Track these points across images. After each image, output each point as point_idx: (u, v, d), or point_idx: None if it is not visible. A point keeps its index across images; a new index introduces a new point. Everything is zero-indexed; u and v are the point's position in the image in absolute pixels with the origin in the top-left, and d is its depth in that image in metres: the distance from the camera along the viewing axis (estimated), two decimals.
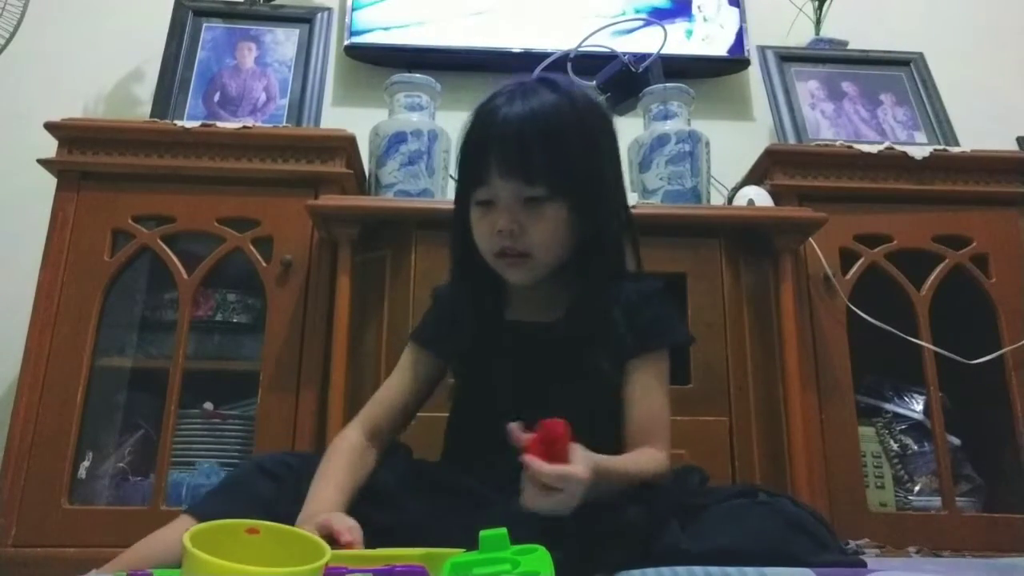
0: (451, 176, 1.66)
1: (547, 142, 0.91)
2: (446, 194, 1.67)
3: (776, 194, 1.65)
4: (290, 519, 0.81)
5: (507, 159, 0.91)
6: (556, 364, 0.97)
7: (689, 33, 2.13)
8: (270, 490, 0.90)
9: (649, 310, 0.98)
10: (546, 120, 0.91)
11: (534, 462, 0.72)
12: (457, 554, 0.69)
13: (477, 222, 0.96)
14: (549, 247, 0.94)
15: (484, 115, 0.95)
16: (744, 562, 0.72)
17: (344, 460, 0.94)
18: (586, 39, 1.84)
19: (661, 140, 1.69)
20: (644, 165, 1.70)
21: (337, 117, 1.92)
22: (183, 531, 0.87)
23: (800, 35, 2.13)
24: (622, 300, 0.98)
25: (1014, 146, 1.98)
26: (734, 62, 2.14)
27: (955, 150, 1.75)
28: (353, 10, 2.08)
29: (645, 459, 0.91)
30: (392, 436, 1.03)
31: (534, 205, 0.92)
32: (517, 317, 1.02)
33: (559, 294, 0.99)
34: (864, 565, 0.79)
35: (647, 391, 0.96)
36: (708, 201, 1.74)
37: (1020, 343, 1.59)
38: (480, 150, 0.94)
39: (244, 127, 1.63)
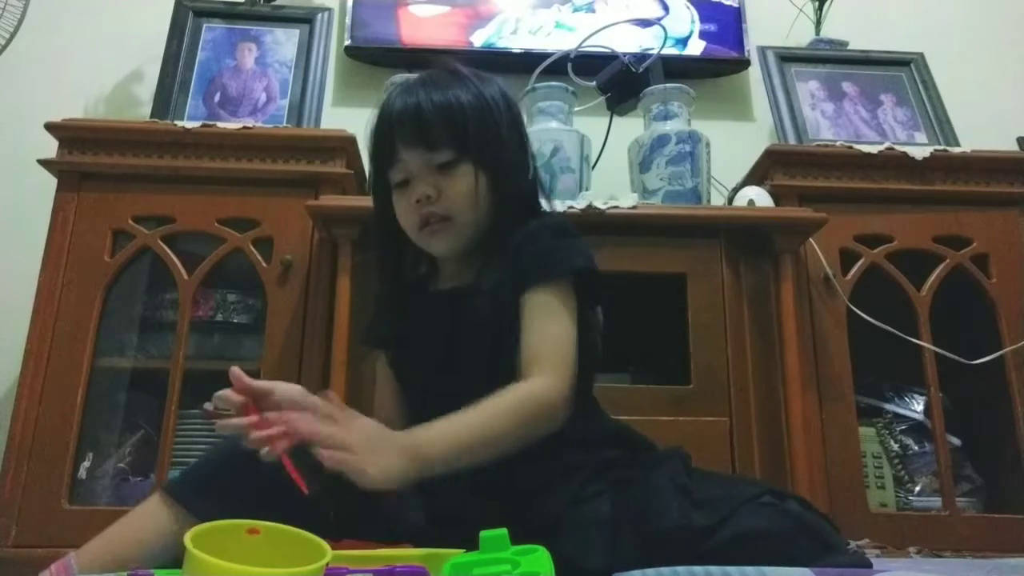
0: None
1: (443, 108, 0.97)
2: None
3: (776, 194, 1.65)
4: (271, 502, 0.80)
5: (408, 130, 0.98)
6: (471, 323, 0.97)
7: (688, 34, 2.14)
8: (256, 483, 0.87)
9: (533, 245, 0.97)
10: (439, 89, 0.99)
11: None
12: (457, 554, 0.69)
13: (398, 203, 1.01)
14: (466, 207, 0.98)
15: (384, 105, 1.02)
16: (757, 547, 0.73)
17: None
18: (586, 39, 1.85)
19: (661, 140, 1.69)
20: (644, 165, 1.70)
21: (337, 117, 1.92)
22: (158, 512, 0.88)
23: (800, 35, 2.13)
24: (514, 242, 0.98)
25: (1014, 146, 1.98)
26: (734, 62, 2.14)
27: (955, 150, 1.75)
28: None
29: (505, 401, 0.85)
30: None
31: (445, 170, 0.98)
32: (443, 287, 1.06)
33: (483, 259, 1.02)
34: (870, 565, 0.79)
35: (533, 320, 0.93)
36: (708, 201, 1.74)
37: (1020, 343, 1.59)
38: (383, 133, 1.01)
39: (244, 127, 1.63)
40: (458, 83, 1.01)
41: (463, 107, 0.98)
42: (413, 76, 1.06)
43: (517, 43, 2.08)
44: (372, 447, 0.76)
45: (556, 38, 2.07)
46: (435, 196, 0.98)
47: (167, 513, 0.88)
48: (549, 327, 0.92)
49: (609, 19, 1.99)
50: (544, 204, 1.09)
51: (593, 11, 2.13)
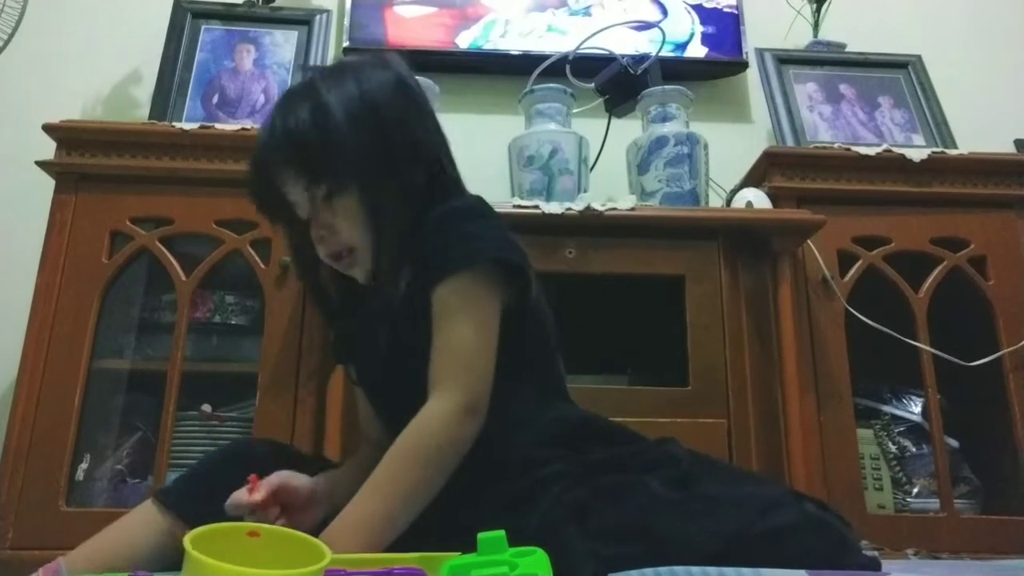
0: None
1: (291, 139, 0.91)
2: None
3: (774, 196, 1.65)
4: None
5: (274, 174, 0.93)
6: (392, 336, 0.94)
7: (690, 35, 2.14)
8: (242, 479, 0.88)
9: (436, 236, 0.91)
10: (286, 127, 0.91)
11: None
12: (455, 557, 0.69)
13: (315, 243, 0.97)
14: (360, 235, 0.93)
15: (255, 145, 0.97)
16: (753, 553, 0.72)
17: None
18: (584, 41, 1.85)
19: (659, 142, 1.69)
20: (642, 167, 1.70)
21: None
22: (150, 518, 0.88)
23: (798, 38, 2.14)
24: (418, 238, 0.93)
25: (1012, 148, 1.99)
26: (732, 64, 2.14)
27: (953, 152, 1.75)
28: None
29: (407, 441, 0.84)
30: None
31: (330, 204, 0.93)
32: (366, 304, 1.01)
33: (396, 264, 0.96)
34: (878, 567, 0.79)
35: (437, 327, 0.88)
36: (706, 203, 1.74)
37: (1018, 345, 1.60)
38: (257, 176, 0.95)
39: (243, 129, 1.63)
40: (301, 101, 0.93)
41: (301, 135, 0.91)
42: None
43: (506, 45, 2.07)
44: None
45: (548, 41, 2.07)
46: (328, 235, 0.94)
47: (159, 520, 0.89)
48: (448, 334, 0.87)
49: (606, 23, 2.00)
50: (454, 185, 1.01)
51: (589, 15, 2.13)
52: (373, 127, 0.93)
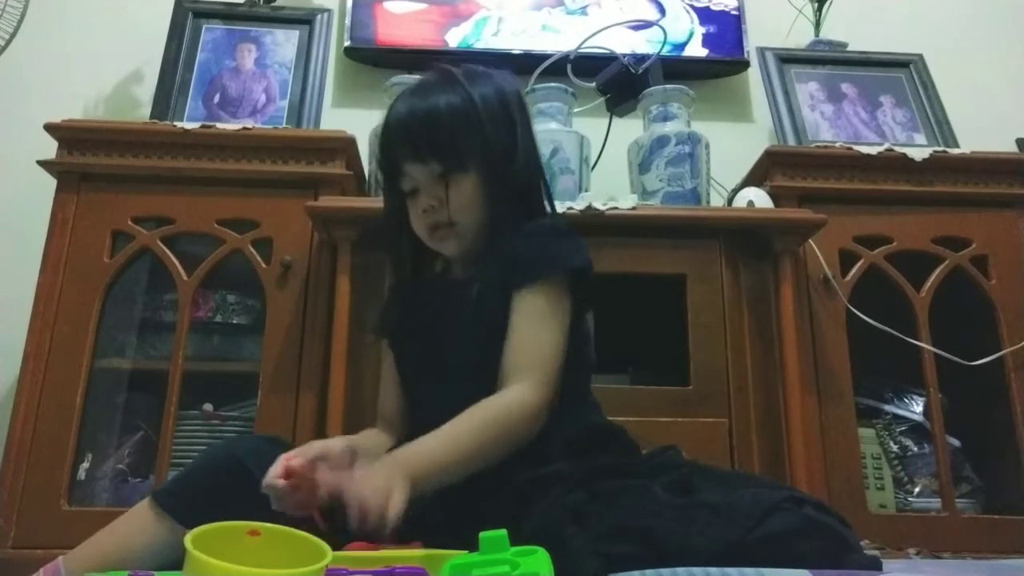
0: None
1: (426, 120, 1.00)
2: None
3: (776, 195, 1.65)
4: (259, 511, 0.80)
5: (401, 145, 1.02)
6: (456, 315, 1.00)
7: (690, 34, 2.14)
8: (246, 492, 0.87)
9: (527, 243, 0.99)
10: (424, 99, 1.02)
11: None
12: (457, 555, 0.69)
13: (411, 210, 1.05)
14: (467, 213, 1.01)
15: (387, 116, 1.06)
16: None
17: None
18: (585, 40, 1.85)
19: (661, 141, 1.69)
20: (644, 166, 1.70)
21: (337, 118, 1.92)
22: (147, 520, 0.89)
23: (800, 37, 2.14)
24: (513, 238, 1.00)
25: (1014, 147, 1.98)
26: (734, 64, 2.14)
27: (955, 151, 1.75)
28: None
29: (483, 415, 0.88)
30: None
31: (445, 179, 1.01)
32: (436, 280, 1.11)
33: (482, 256, 1.04)
34: (880, 568, 0.79)
35: (520, 323, 0.94)
36: (708, 202, 1.74)
37: (1020, 344, 1.59)
38: (386, 146, 1.05)
39: (244, 128, 1.63)
40: (444, 89, 1.02)
41: (444, 116, 1.00)
42: (413, 81, 1.08)
43: (498, 44, 2.07)
44: (372, 485, 0.77)
45: (543, 40, 2.07)
46: (438, 206, 1.01)
47: (155, 521, 0.90)
48: (534, 332, 0.94)
49: (603, 22, 1.99)
50: (546, 203, 1.10)
51: (586, 14, 2.13)
52: (505, 123, 1.03)
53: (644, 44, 2.06)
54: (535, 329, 0.94)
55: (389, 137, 1.04)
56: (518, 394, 0.90)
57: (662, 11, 2.14)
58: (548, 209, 1.10)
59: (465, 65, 1.08)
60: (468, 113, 1.01)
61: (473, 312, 0.97)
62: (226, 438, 1.54)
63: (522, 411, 0.89)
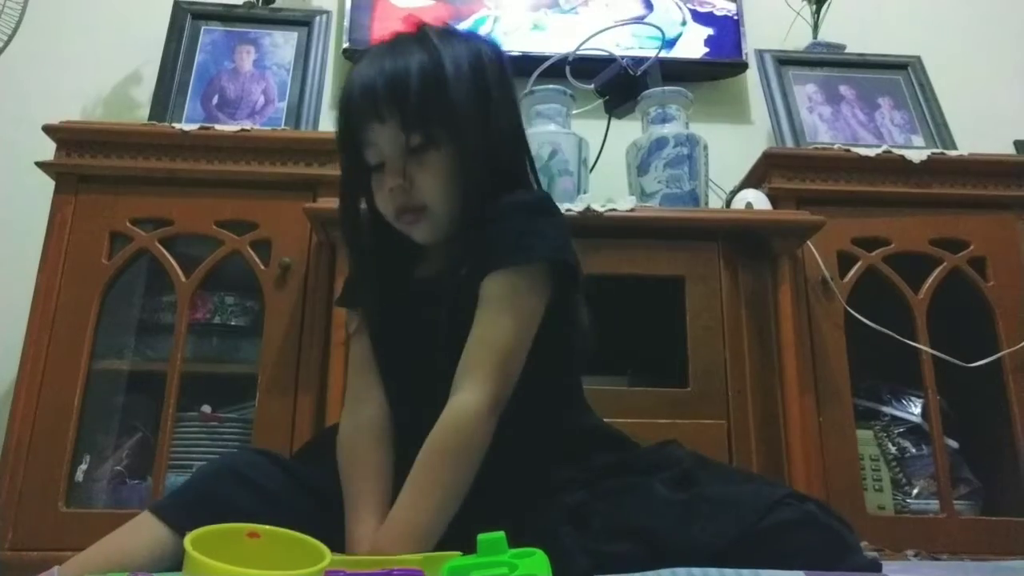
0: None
1: (395, 83, 0.88)
2: None
3: (774, 197, 1.65)
4: (260, 523, 0.80)
5: (374, 110, 0.89)
6: (439, 315, 0.90)
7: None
8: (247, 502, 0.87)
9: (500, 225, 0.89)
10: (404, 67, 0.89)
11: None
12: (455, 557, 0.69)
13: (375, 187, 0.94)
14: (442, 196, 0.91)
15: (349, 76, 0.94)
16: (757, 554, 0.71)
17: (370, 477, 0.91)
18: (584, 42, 1.85)
19: (659, 143, 1.69)
20: (642, 168, 1.70)
21: (336, 120, 1.92)
22: (145, 530, 0.88)
23: (798, 39, 2.14)
24: (486, 224, 0.90)
25: (1011, 149, 1.99)
26: (732, 65, 2.14)
27: (953, 153, 1.76)
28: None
29: (437, 450, 0.82)
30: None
31: (417, 155, 0.90)
32: (421, 275, 0.98)
33: (461, 243, 0.93)
34: (878, 569, 0.79)
35: (477, 317, 0.86)
36: (706, 204, 1.74)
37: (1018, 346, 1.60)
38: (347, 110, 0.93)
39: (242, 130, 1.63)
40: (415, 48, 0.90)
41: (413, 79, 0.88)
42: (377, 43, 0.96)
43: (516, 45, 2.07)
44: None
45: (531, 39, 2.07)
46: (407, 186, 0.90)
47: (156, 532, 0.88)
48: (489, 326, 0.86)
49: (591, 20, 2.00)
50: (532, 181, 1.00)
51: (577, 13, 2.13)
52: (481, 92, 0.92)
53: (631, 39, 2.06)
54: (490, 324, 0.86)
55: (351, 99, 0.92)
56: (471, 403, 0.83)
57: (649, 6, 2.15)
58: (527, 183, 0.99)
59: (447, 25, 0.98)
60: (439, 77, 0.89)
61: (458, 315, 0.89)
62: (228, 441, 1.55)
63: (477, 421, 0.83)
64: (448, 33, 0.95)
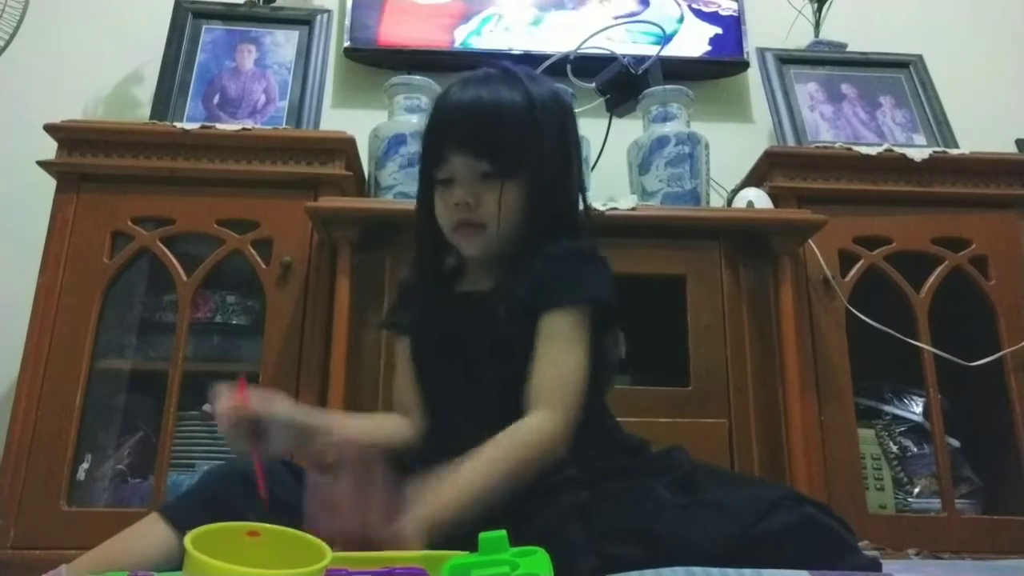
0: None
1: (495, 122, 0.97)
2: None
3: (775, 196, 1.65)
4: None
5: (460, 136, 0.97)
6: (484, 331, 0.97)
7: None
8: (255, 505, 0.88)
9: (555, 267, 0.97)
10: (496, 103, 0.97)
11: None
12: (456, 556, 0.69)
13: (439, 200, 1.01)
14: (505, 221, 0.97)
15: (441, 100, 1.02)
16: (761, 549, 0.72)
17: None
18: (585, 40, 1.85)
19: (660, 142, 1.69)
20: (643, 167, 1.70)
21: (337, 119, 1.92)
22: (152, 531, 0.88)
23: (799, 37, 2.14)
24: (540, 260, 0.98)
25: (1013, 148, 1.98)
26: (733, 64, 2.14)
27: (954, 152, 1.75)
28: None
29: (507, 447, 0.87)
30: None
31: (489, 181, 0.97)
32: (464, 289, 1.05)
33: (507, 269, 1.01)
34: (879, 568, 0.79)
35: (546, 349, 0.93)
36: (707, 203, 1.74)
37: (1019, 345, 1.59)
38: (436, 130, 1.01)
39: (244, 129, 1.63)
40: (507, 86, 0.99)
41: (508, 115, 0.97)
42: (474, 72, 1.04)
43: (489, 44, 2.07)
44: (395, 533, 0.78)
45: (528, 37, 2.08)
46: (473, 204, 0.97)
47: (162, 533, 0.89)
48: (559, 358, 0.93)
49: (586, 19, 1.99)
50: (584, 222, 1.07)
51: (576, 10, 2.12)
52: (561, 137, 1.01)
53: (625, 34, 2.06)
54: (559, 355, 0.93)
55: (443, 121, 0.99)
56: (539, 422, 0.89)
57: (645, 2, 2.15)
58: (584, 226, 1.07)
59: (520, 66, 1.05)
60: (531, 119, 0.97)
61: (501, 334, 0.95)
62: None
63: (541, 440, 0.88)
64: (536, 79, 1.04)
